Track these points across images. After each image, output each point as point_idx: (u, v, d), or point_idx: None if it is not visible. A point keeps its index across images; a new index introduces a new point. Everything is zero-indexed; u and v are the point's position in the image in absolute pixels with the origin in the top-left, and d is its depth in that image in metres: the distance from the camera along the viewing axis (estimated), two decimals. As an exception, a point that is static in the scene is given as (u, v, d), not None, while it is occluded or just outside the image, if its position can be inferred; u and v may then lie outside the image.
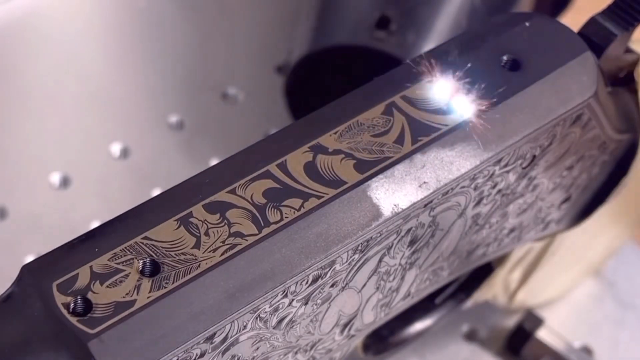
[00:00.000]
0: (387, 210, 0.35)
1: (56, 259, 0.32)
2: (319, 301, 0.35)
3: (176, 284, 0.32)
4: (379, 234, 0.35)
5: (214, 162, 0.56)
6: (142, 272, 0.32)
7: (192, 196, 0.34)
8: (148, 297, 0.31)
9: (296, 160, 0.35)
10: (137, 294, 0.31)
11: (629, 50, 0.42)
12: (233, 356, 0.34)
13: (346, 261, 0.35)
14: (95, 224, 0.52)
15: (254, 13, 0.64)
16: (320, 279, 0.34)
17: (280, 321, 0.34)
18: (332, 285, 0.35)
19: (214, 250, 0.32)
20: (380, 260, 0.36)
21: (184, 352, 0.31)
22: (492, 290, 0.48)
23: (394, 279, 0.38)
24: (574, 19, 0.44)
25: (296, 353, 0.37)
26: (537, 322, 0.50)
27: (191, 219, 0.33)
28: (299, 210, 0.33)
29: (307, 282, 0.34)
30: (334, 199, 0.34)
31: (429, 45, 0.52)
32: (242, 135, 0.58)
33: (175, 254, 0.32)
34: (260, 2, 0.65)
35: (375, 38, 0.52)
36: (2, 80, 0.60)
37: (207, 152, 0.57)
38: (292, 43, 0.56)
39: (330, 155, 0.35)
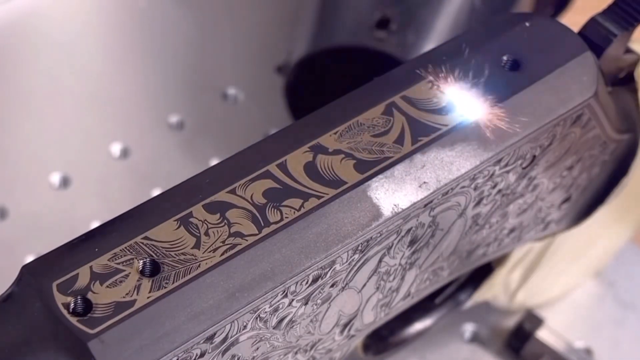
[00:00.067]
0: (387, 210, 0.35)
1: (56, 259, 0.32)
2: (319, 301, 0.35)
3: (176, 284, 0.32)
4: (379, 234, 0.35)
5: (214, 162, 0.56)
6: (142, 272, 0.32)
7: (192, 196, 0.34)
8: (148, 297, 0.31)
9: (296, 160, 0.35)
10: (137, 294, 0.31)
11: (629, 50, 0.42)
12: (233, 356, 0.34)
13: (346, 261, 0.35)
14: (95, 224, 0.52)
15: (254, 13, 0.65)
16: (320, 279, 0.34)
17: (280, 321, 0.34)
18: (332, 285, 0.35)
19: (214, 250, 0.32)
20: (380, 260, 0.36)
21: (184, 352, 0.31)
22: (492, 290, 0.48)
23: (394, 279, 0.38)
24: (574, 19, 0.44)
25: (296, 353, 0.37)
26: (537, 322, 0.50)
27: (191, 219, 0.33)
28: (299, 210, 0.33)
29: (307, 282, 0.34)
30: (334, 199, 0.34)
31: (429, 45, 0.52)
32: (242, 135, 0.58)
33: (175, 254, 0.32)
34: (260, 2, 0.65)
35: (375, 38, 0.52)
36: (2, 80, 0.60)
37: (207, 152, 0.57)
38: (292, 43, 0.56)
39: (331, 155, 0.35)
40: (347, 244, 0.34)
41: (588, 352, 0.51)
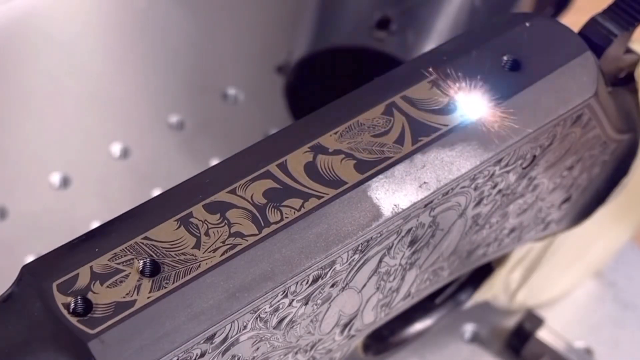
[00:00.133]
0: (387, 211, 0.35)
1: (56, 259, 0.32)
2: (319, 301, 0.35)
3: (176, 284, 0.32)
4: (379, 234, 0.35)
5: (214, 162, 0.56)
6: (142, 272, 0.32)
7: (192, 196, 0.34)
8: (148, 297, 0.31)
9: (296, 160, 0.35)
10: (137, 294, 0.31)
11: (629, 51, 0.42)
12: (233, 356, 0.34)
13: (346, 261, 0.35)
14: (95, 224, 0.52)
15: (254, 13, 0.65)
16: (320, 279, 0.34)
17: (280, 321, 0.34)
18: (332, 286, 0.35)
19: (214, 250, 0.32)
20: (380, 261, 0.36)
21: (184, 352, 0.31)
22: (492, 290, 0.48)
23: (394, 279, 0.38)
24: (574, 19, 0.44)
25: (296, 353, 0.37)
26: (537, 322, 0.50)
27: (191, 219, 0.33)
28: (299, 210, 0.33)
29: (307, 282, 0.34)
30: (334, 199, 0.34)
31: (429, 45, 0.52)
32: (242, 135, 0.58)
33: (175, 254, 0.32)
34: (260, 2, 0.65)
35: (375, 38, 0.52)
36: (2, 80, 0.60)
37: (207, 152, 0.57)
38: (292, 43, 0.56)
39: (331, 155, 0.35)
40: (347, 244, 0.34)
41: (588, 352, 0.51)
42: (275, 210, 0.33)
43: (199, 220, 0.33)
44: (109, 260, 0.32)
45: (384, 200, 0.35)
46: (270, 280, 0.33)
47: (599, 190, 0.44)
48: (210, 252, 0.32)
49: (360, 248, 0.35)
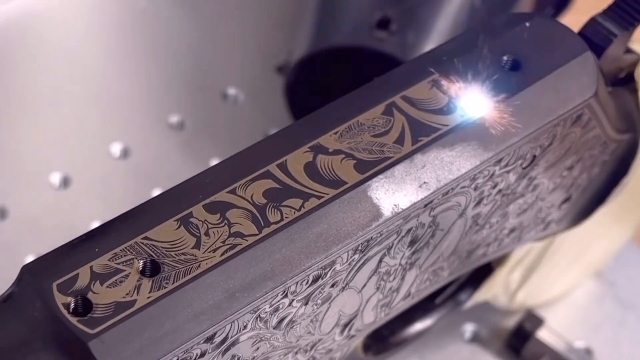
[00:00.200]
0: (387, 211, 0.35)
1: (56, 259, 0.32)
2: (319, 301, 0.35)
3: (176, 284, 0.32)
4: (379, 234, 0.35)
5: (214, 162, 0.56)
6: (142, 272, 0.32)
7: (192, 196, 0.34)
8: (148, 297, 0.31)
9: (296, 160, 0.35)
10: (137, 294, 0.31)
11: (629, 50, 0.42)
12: (233, 356, 0.34)
13: (346, 261, 0.35)
14: (95, 224, 0.52)
15: (255, 13, 0.65)
16: (320, 279, 0.34)
17: (280, 321, 0.34)
18: (332, 286, 0.35)
19: (214, 250, 0.32)
20: (380, 261, 0.36)
21: (184, 352, 0.31)
22: (492, 290, 0.48)
23: (394, 279, 0.38)
24: (574, 19, 0.44)
25: (296, 353, 0.37)
26: (537, 322, 0.50)
27: (191, 219, 0.33)
28: (299, 210, 0.33)
29: (307, 282, 0.34)
30: (334, 199, 0.34)
31: (429, 45, 0.52)
32: (242, 135, 0.58)
33: (175, 254, 0.32)
34: (260, 2, 0.65)
35: (375, 38, 0.52)
36: (2, 80, 0.60)
37: (207, 152, 0.57)
38: (292, 43, 0.56)
39: (331, 155, 0.35)
40: (347, 244, 0.34)
41: (588, 352, 0.51)
42: (275, 210, 0.33)
43: (199, 220, 0.33)
44: (109, 260, 0.32)
45: (384, 200, 0.35)
46: (270, 280, 0.33)
47: (599, 190, 0.44)
48: (210, 252, 0.32)
49: (360, 248, 0.35)
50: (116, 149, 0.57)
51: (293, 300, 0.34)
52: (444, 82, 0.37)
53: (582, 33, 0.40)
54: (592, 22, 0.40)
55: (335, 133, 0.35)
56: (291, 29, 0.59)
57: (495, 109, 0.37)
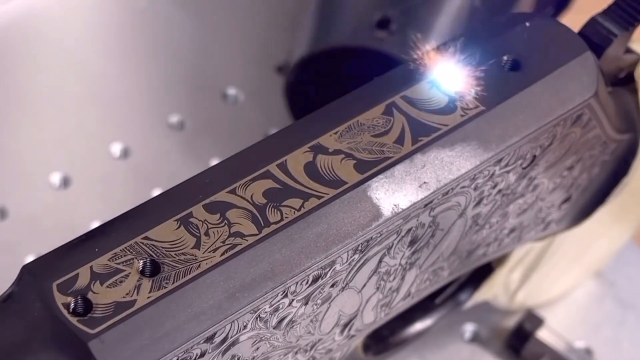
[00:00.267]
0: (387, 211, 0.35)
1: (56, 259, 0.32)
2: (319, 301, 0.35)
3: (176, 284, 0.32)
4: (379, 234, 0.35)
5: (214, 162, 0.56)
6: (142, 272, 0.32)
7: (192, 196, 0.34)
8: (148, 297, 0.31)
9: (296, 160, 0.35)
10: (137, 294, 0.31)
11: (629, 50, 0.42)
12: (233, 356, 0.34)
13: (346, 261, 0.35)
14: (95, 224, 0.52)
15: (254, 13, 0.65)
16: (320, 279, 0.34)
17: (280, 321, 0.34)
18: (332, 286, 0.35)
19: (214, 250, 0.32)
20: (380, 261, 0.36)
21: (184, 352, 0.31)
22: (492, 290, 0.48)
23: (394, 279, 0.38)
24: (574, 19, 0.44)
25: (296, 353, 0.37)
26: (537, 322, 0.50)
27: (191, 219, 0.33)
28: (299, 210, 0.33)
29: (307, 282, 0.34)
30: (334, 199, 0.34)
31: (429, 45, 0.52)
32: (242, 135, 0.58)
33: (175, 254, 0.32)
34: (260, 2, 0.65)
35: (375, 38, 0.52)
36: (2, 80, 0.60)
37: (207, 152, 0.57)
38: (292, 43, 0.56)
39: (331, 155, 0.35)
40: (347, 244, 0.34)
41: (588, 352, 0.51)
42: (275, 210, 0.33)
43: (199, 220, 0.33)
44: (109, 260, 0.32)
45: (384, 200, 0.35)
46: (270, 280, 0.33)
47: (599, 190, 0.44)
48: (210, 252, 0.32)
49: (360, 248, 0.35)
50: (116, 149, 0.57)
51: (293, 300, 0.34)
52: (444, 82, 0.37)
53: (582, 33, 0.40)
54: (592, 22, 0.40)
55: (335, 133, 0.35)
56: (291, 29, 0.59)
57: (495, 109, 0.37)
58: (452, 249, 0.39)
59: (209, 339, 0.32)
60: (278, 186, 0.34)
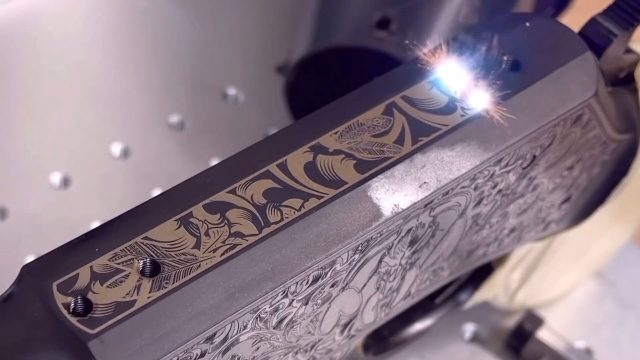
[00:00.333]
0: (387, 211, 0.35)
1: (56, 259, 0.32)
2: (319, 301, 0.35)
3: (176, 284, 0.32)
4: (379, 234, 0.35)
5: (214, 162, 0.56)
6: (142, 272, 0.32)
7: (192, 196, 0.34)
8: (148, 297, 0.31)
9: (296, 160, 0.35)
10: (137, 294, 0.31)
11: (629, 50, 0.42)
12: (233, 356, 0.34)
13: (346, 261, 0.35)
14: (95, 224, 0.52)
15: (254, 13, 0.65)
16: (320, 279, 0.34)
17: (280, 321, 0.34)
18: (332, 286, 0.35)
19: (214, 250, 0.32)
20: (380, 261, 0.36)
21: (184, 352, 0.31)
22: (492, 290, 0.48)
23: (394, 279, 0.38)
24: (574, 19, 0.44)
25: (296, 353, 0.37)
26: (537, 322, 0.50)
27: (191, 219, 0.33)
28: (299, 210, 0.33)
29: (307, 282, 0.34)
30: (334, 199, 0.34)
31: (429, 45, 0.52)
32: (242, 135, 0.58)
33: (175, 254, 0.32)
34: (260, 2, 0.65)
35: (375, 38, 0.52)
36: (2, 80, 0.60)
37: (207, 152, 0.57)
38: (292, 43, 0.56)
39: (331, 155, 0.35)
40: (347, 244, 0.34)
41: (588, 352, 0.51)
42: (275, 210, 0.33)
43: (199, 220, 0.33)
44: (109, 260, 0.32)
45: (384, 200, 0.35)
46: (270, 280, 0.33)
47: (599, 190, 0.44)
48: (210, 252, 0.32)
49: (360, 248, 0.35)
50: (116, 149, 0.57)
51: (293, 300, 0.34)
52: (444, 82, 0.37)
53: (582, 33, 0.40)
54: (592, 22, 0.40)
55: (335, 133, 0.35)
56: (291, 29, 0.59)
57: (495, 109, 0.37)
58: (452, 249, 0.39)
59: (209, 339, 0.32)
60: (278, 186, 0.34)
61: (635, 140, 0.43)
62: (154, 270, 0.32)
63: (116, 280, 0.31)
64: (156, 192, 0.55)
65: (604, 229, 0.49)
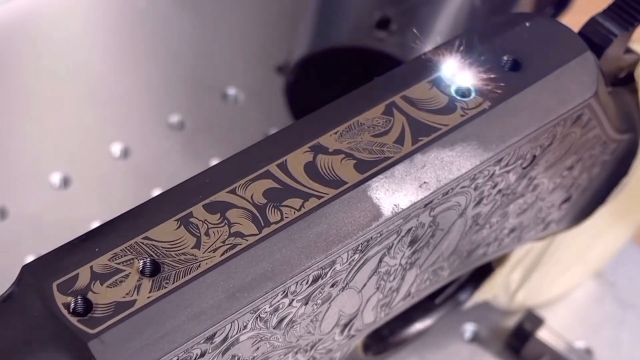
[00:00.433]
0: (387, 210, 0.35)
1: (56, 259, 0.32)
2: (319, 301, 0.35)
3: (176, 284, 0.32)
4: (379, 234, 0.35)
5: (214, 162, 0.56)
6: (142, 272, 0.32)
7: (192, 196, 0.34)
8: (148, 297, 0.31)
9: (296, 160, 0.35)
10: (137, 294, 0.31)
11: (629, 50, 0.42)
12: (233, 356, 0.34)
13: (346, 261, 0.35)
14: (95, 224, 0.52)
15: (254, 13, 0.65)
16: (320, 279, 0.34)
17: (280, 321, 0.34)
18: (332, 285, 0.35)
19: (214, 250, 0.32)
20: (380, 260, 0.36)
21: (184, 352, 0.31)
22: (492, 290, 0.48)
23: (394, 279, 0.38)
24: (574, 19, 0.44)
25: (296, 353, 0.37)
26: (537, 322, 0.50)
27: (191, 219, 0.33)
28: (299, 210, 0.33)
29: (307, 282, 0.34)
30: (334, 199, 0.34)
31: (428, 45, 0.52)
32: (242, 135, 0.58)
33: (175, 254, 0.32)
34: (260, 2, 0.65)
35: (375, 38, 0.52)
36: (2, 80, 0.60)
37: (207, 152, 0.57)
38: (292, 43, 0.56)
39: (331, 155, 0.35)
40: (347, 244, 0.34)
41: (588, 352, 0.51)
42: (275, 210, 0.33)
43: (199, 220, 0.33)
44: (109, 260, 0.32)
45: (384, 200, 0.35)
46: (270, 280, 0.33)
47: (599, 190, 0.44)
48: (210, 252, 0.32)
49: (360, 248, 0.35)
50: (116, 149, 0.57)
51: (293, 300, 0.34)
52: (444, 82, 0.37)
53: (582, 33, 0.40)
54: (592, 22, 0.40)
55: (335, 133, 0.35)
56: (291, 29, 0.59)
57: (495, 109, 0.37)
58: (452, 249, 0.39)
59: (209, 339, 0.32)
60: (278, 186, 0.34)
61: (635, 140, 0.43)
62: (154, 270, 0.32)
63: (116, 280, 0.31)
64: (156, 192, 0.55)
65: (604, 229, 0.49)
